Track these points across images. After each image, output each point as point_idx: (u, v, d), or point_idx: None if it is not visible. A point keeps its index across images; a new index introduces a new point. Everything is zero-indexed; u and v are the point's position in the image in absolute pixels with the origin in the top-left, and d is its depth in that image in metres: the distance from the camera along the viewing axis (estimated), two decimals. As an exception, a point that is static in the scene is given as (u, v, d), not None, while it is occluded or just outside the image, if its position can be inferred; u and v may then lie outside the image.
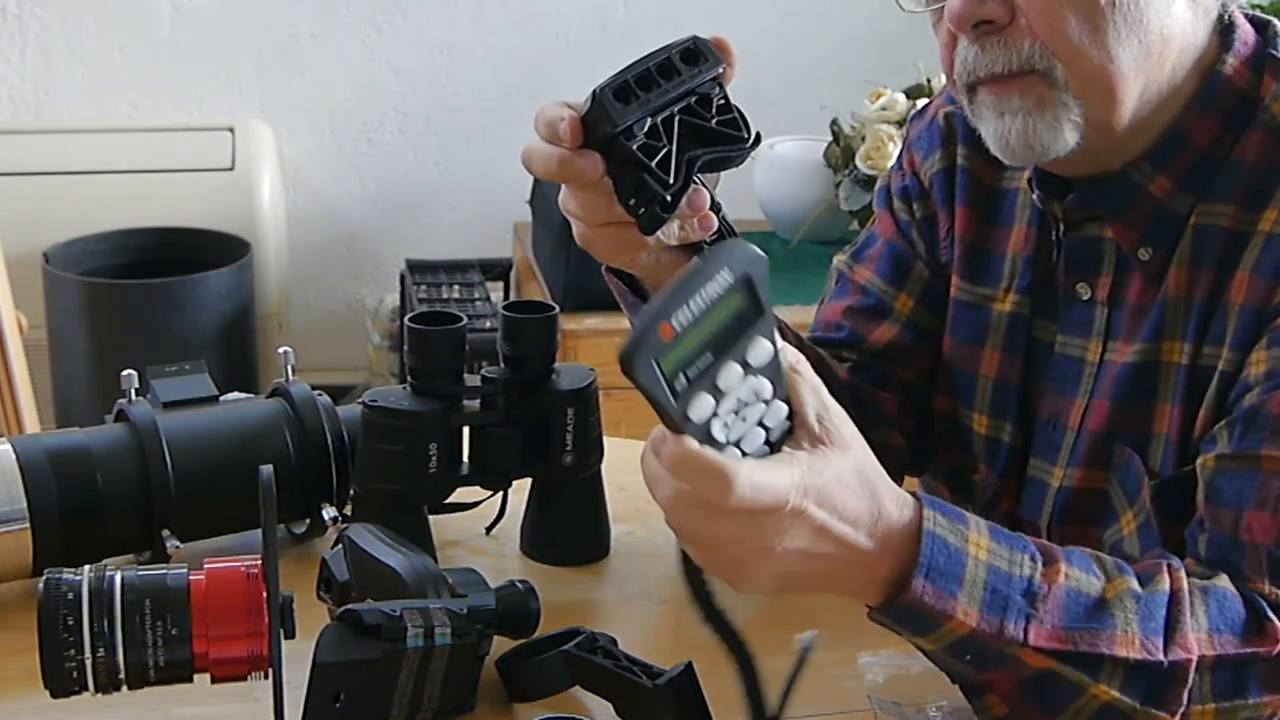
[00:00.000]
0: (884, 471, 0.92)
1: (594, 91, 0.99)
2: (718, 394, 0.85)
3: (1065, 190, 1.15)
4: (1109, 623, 0.95)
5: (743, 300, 0.83)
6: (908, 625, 0.95)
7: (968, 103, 1.13)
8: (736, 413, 0.86)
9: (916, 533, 0.92)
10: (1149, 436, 1.13)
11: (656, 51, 1.00)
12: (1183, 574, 0.99)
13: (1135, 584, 0.97)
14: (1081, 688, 0.95)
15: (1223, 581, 1.00)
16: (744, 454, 0.88)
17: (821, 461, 0.88)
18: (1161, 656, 0.95)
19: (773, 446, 0.89)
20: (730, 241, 0.83)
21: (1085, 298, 1.17)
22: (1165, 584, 0.98)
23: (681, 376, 0.83)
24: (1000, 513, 1.23)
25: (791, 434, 0.89)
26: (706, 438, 0.86)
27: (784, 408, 0.88)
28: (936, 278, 1.29)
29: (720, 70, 1.01)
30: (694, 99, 1.00)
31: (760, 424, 0.88)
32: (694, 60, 1.00)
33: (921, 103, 2.75)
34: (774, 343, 0.85)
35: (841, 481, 0.88)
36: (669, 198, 0.99)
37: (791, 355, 0.89)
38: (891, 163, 2.69)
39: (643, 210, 0.99)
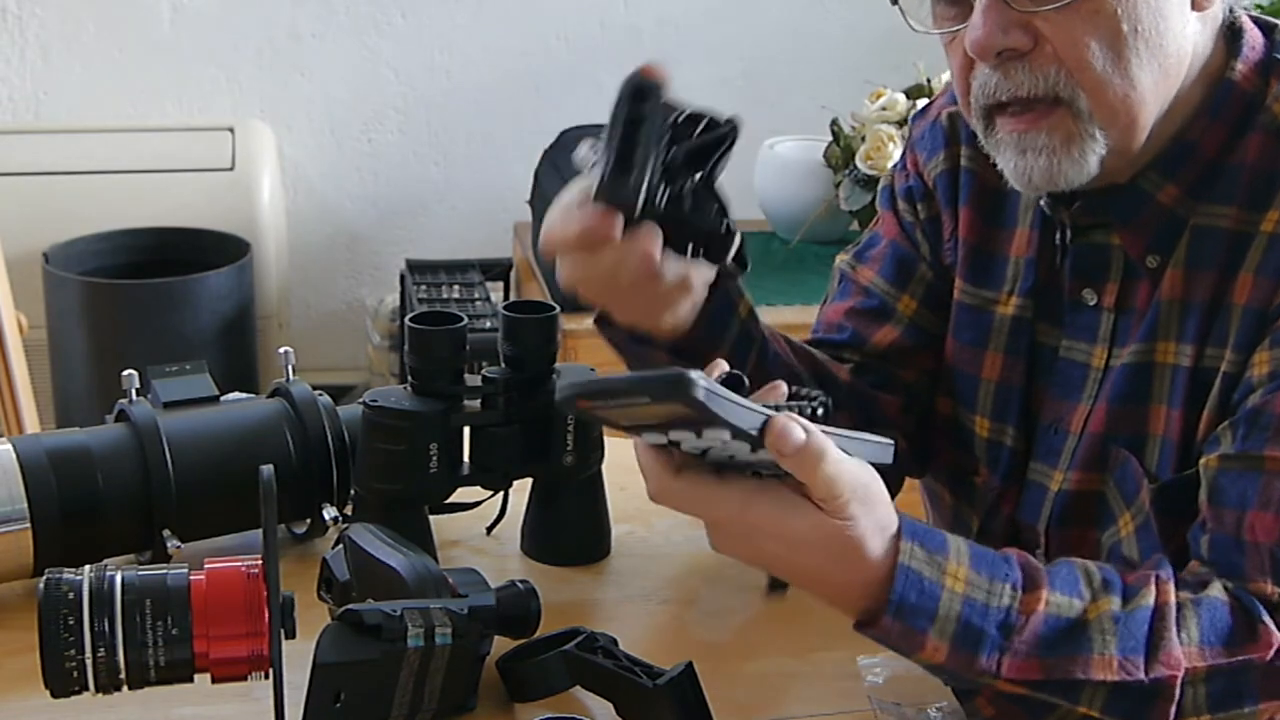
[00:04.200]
0: (886, 522, 0.93)
1: (600, 179, 0.99)
2: (671, 441, 0.88)
3: (1071, 197, 1.14)
4: (1086, 647, 0.95)
5: (680, 409, 0.83)
6: (885, 646, 0.97)
7: (983, 129, 1.12)
8: (709, 448, 0.89)
9: (892, 567, 0.93)
10: (1145, 438, 1.12)
11: (615, 112, 1.00)
12: (1171, 586, 0.99)
13: (1117, 603, 0.97)
14: (1061, 708, 0.96)
15: (1214, 591, 1.00)
16: (744, 466, 0.91)
17: (793, 512, 0.90)
18: (1142, 675, 0.95)
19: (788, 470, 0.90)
20: (668, 376, 0.82)
21: (1091, 303, 1.16)
22: (1150, 598, 0.98)
23: (625, 422, 0.88)
24: (1003, 516, 1.23)
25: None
26: (667, 444, 0.90)
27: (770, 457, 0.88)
28: (940, 280, 1.29)
29: (665, 93, 1.01)
30: (671, 130, 1.01)
31: (753, 455, 0.89)
32: (644, 96, 1.00)
33: (922, 102, 2.76)
34: (737, 432, 0.85)
35: (814, 537, 0.91)
36: (726, 222, 1.00)
37: (814, 449, 0.87)
38: (892, 162, 2.70)
39: (708, 249, 1.00)
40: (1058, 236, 1.19)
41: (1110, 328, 1.15)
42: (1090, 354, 1.17)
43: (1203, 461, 1.07)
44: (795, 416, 0.87)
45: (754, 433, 0.86)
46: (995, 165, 1.13)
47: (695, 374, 0.82)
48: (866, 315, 1.31)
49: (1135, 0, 1.04)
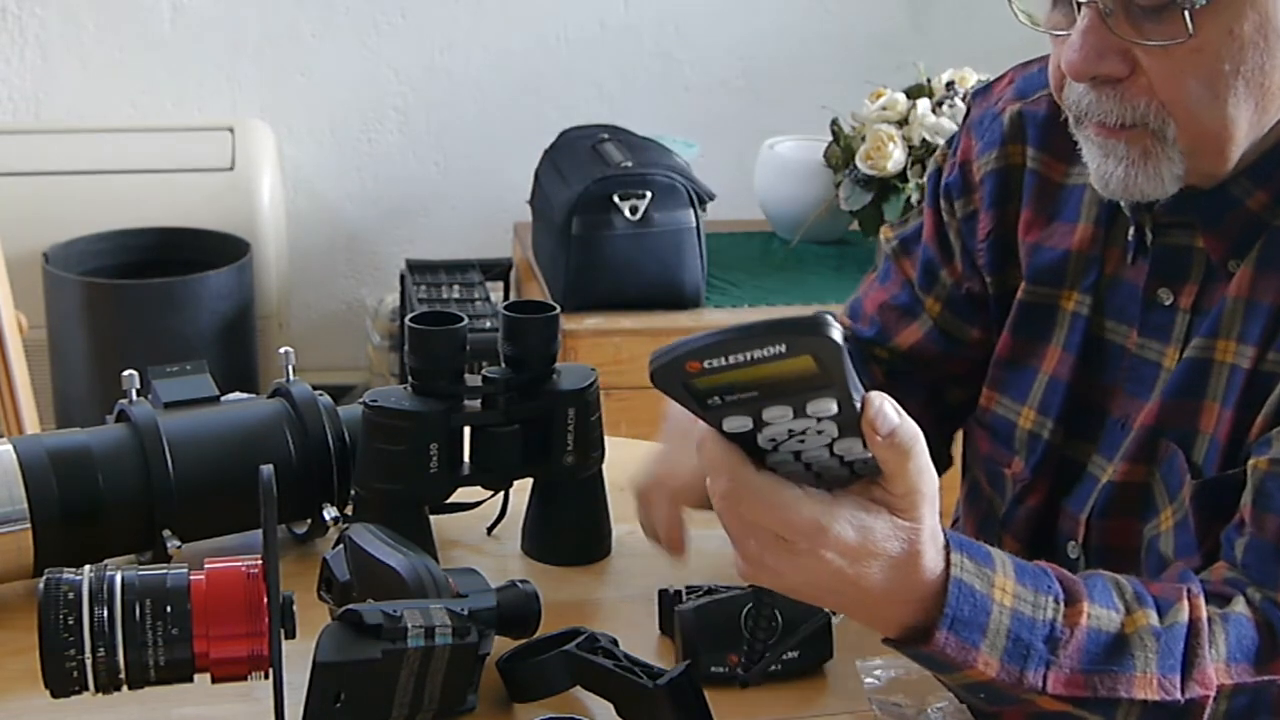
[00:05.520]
0: (938, 533, 0.91)
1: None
2: (760, 422, 0.82)
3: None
4: (1128, 664, 0.94)
5: (804, 366, 0.79)
6: (926, 665, 0.95)
7: (1075, 125, 1.11)
8: (791, 436, 0.84)
9: (944, 580, 0.91)
10: (1194, 434, 1.10)
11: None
12: (1202, 601, 0.98)
13: (1154, 618, 0.96)
14: None
15: (1239, 607, 0.99)
16: (808, 467, 0.87)
17: (872, 521, 0.87)
18: (1179, 695, 0.94)
19: (855, 474, 0.88)
20: (807, 320, 0.78)
21: (1167, 303, 1.14)
22: (1184, 614, 0.97)
23: (716, 397, 0.81)
24: (1027, 507, 1.22)
25: (875, 481, 0.88)
26: (748, 444, 0.85)
27: (859, 444, 0.85)
28: (959, 284, 1.29)
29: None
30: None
31: (829, 450, 0.85)
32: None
33: (923, 102, 2.75)
34: (843, 403, 0.81)
35: (881, 548, 0.88)
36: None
37: (907, 435, 0.85)
38: (892, 162, 2.70)
39: None
40: (1131, 233, 1.16)
41: (1185, 328, 1.13)
42: (1163, 353, 1.14)
43: (1251, 463, 1.05)
44: (889, 398, 0.84)
45: (858, 404, 0.82)
46: (1064, 162, 1.14)
47: (831, 317, 0.78)
48: (896, 311, 1.33)
49: (1241, 40, 1.01)
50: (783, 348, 0.77)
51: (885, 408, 0.83)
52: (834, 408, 0.81)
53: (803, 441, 0.84)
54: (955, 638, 0.91)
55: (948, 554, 0.91)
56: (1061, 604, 0.94)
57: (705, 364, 0.79)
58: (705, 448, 0.86)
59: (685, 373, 0.79)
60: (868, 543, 0.87)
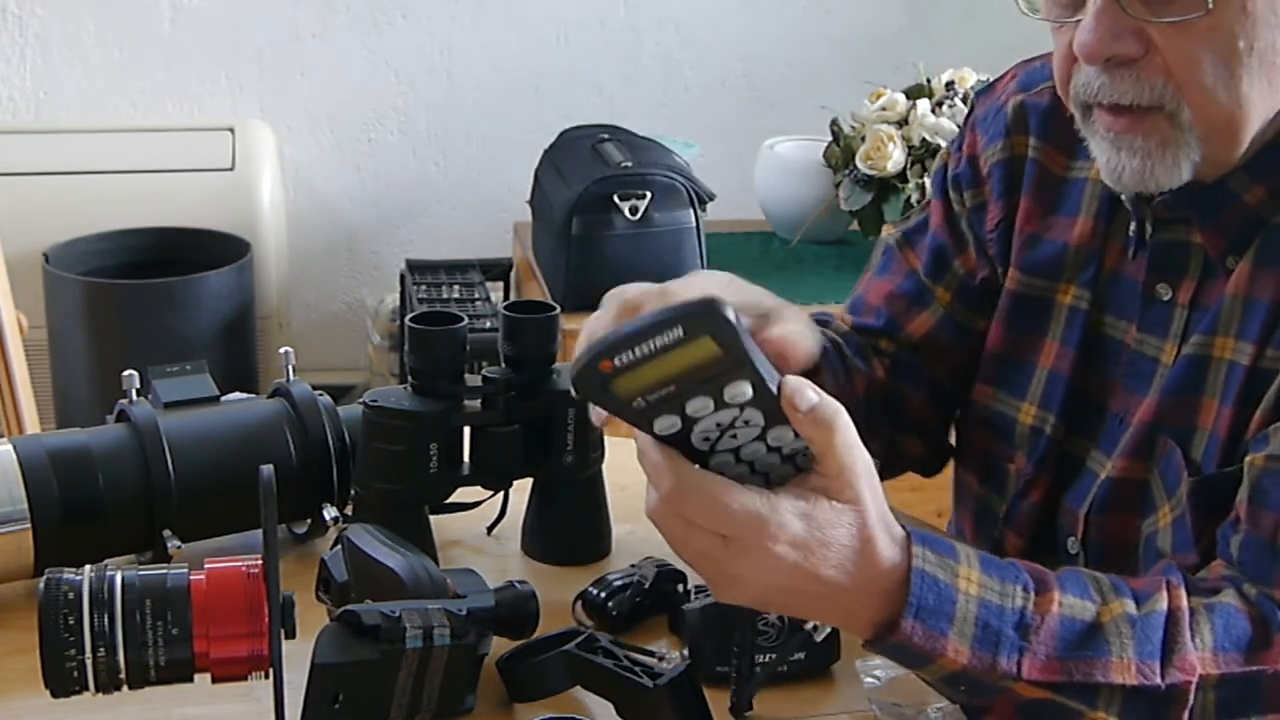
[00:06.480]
0: (891, 521, 0.92)
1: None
2: (686, 418, 0.85)
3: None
4: (1104, 650, 0.94)
5: (707, 351, 0.81)
6: (900, 660, 0.95)
7: (1081, 118, 1.10)
8: (722, 431, 0.86)
9: (906, 572, 0.92)
10: (1193, 430, 1.11)
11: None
12: (1183, 592, 0.98)
13: (1131, 606, 0.96)
14: (1079, 714, 0.95)
15: (1228, 598, 0.99)
16: (750, 466, 0.88)
17: (813, 509, 0.88)
18: (1159, 680, 0.94)
19: (798, 467, 0.89)
20: (698, 302, 0.81)
21: (1165, 298, 1.14)
22: (1163, 603, 0.97)
23: (640, 399, 0.83)
24: (1029, 503, 1.22)
25: (812, 470, 0.89)
26: (683, 445, 0.86)
27: (790, 432, 0.86)
28: (973, 274, 1.29)
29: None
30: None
31: (764, 444, 0.87)
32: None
33: (923, 103, 2.76)
34: (757, 385, 0.84)
35: (830, 535, 0.88)
36: None
37: (829, 410, 0.86)
38: (892, 162, 2.70)
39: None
40: (1132, 228, 1.17)
41: (1183, 324, 1.13)
42: (1161, 349, 1.15)
43: (1248, 459, 1.05)
44: (805, 380, 0.86)
45: (774, 388, 0.84)
46: (1066, 155, 1.13)
47: (724, 300, 0.81)
48: (905, 299, 1.32)
49: (1255, 18, 1.01)
50: (680, 331, 0.80)
51: (802, 386, 0.86)
52: (749, 390, 0.83)
53: (735, 436, 0.86)
54: (922, 626, 0.92)
55: (909, 547, 0.92)
56: (1031, 593, 0.95)
57: (616, 361, 0.81)
58: (646, 457, 0.88)
59: (602, 374, 0.82)
60: (814, 530, 0.88)
